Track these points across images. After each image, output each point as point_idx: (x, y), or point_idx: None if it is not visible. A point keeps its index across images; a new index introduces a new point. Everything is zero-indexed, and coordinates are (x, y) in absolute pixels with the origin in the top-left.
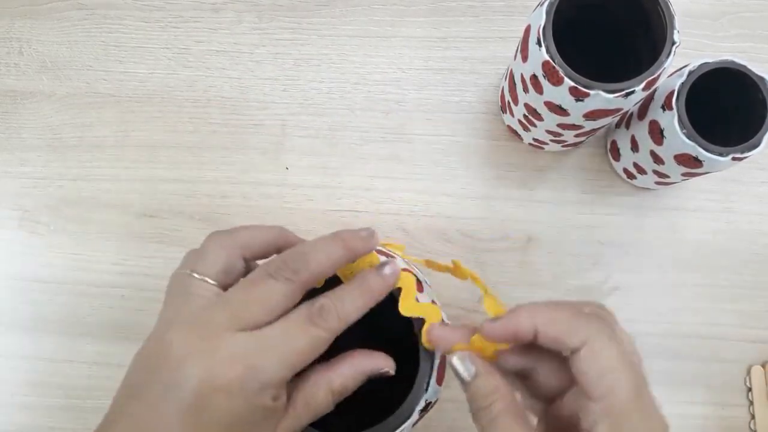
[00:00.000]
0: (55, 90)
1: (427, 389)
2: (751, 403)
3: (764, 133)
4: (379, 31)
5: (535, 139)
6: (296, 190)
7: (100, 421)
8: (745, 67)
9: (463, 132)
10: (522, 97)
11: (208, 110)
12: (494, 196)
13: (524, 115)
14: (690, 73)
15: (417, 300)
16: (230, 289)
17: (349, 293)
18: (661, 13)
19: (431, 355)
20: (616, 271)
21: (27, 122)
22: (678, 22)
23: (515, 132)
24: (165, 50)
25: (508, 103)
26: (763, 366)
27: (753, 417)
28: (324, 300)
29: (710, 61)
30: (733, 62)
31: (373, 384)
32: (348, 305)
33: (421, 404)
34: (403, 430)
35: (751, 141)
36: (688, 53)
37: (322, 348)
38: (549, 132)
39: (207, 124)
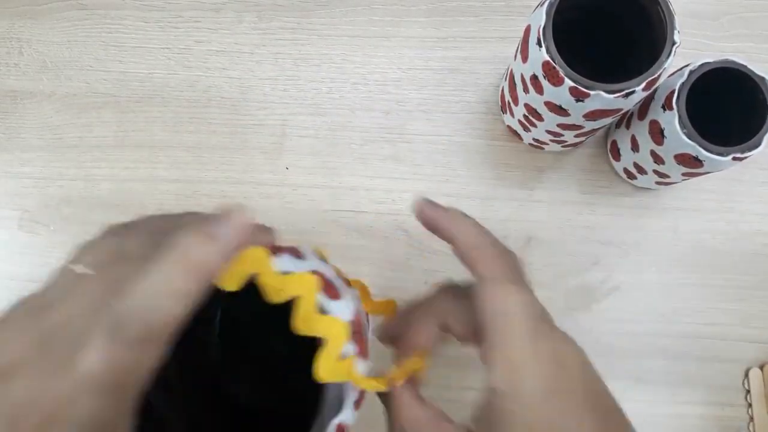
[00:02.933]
0: (55, 90)
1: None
2: (750, 405)
3: (764, 133)
4: (379, 31)
5: (535, 140)
6: (296, 190)
7: None
8: (745, 67)
9: (463, 132)
10: (522, 97)
11: (208, 110)
12: (494, 196)
13: (524, 116)
14: (690, 73)
15: (322, 310)
16: None
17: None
18: (661, 13)
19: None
20: (616, 271)
21: (27, 122)
22: (678, 22)
23: (515, 132)
24: (165, 50)
25: (508, 103)
26: (761, 368)
27: (752, 419)
28: None
29: (710, 61)
30: (733, 62)
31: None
32: None
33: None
34: None
35: (751, 141)
36: (688, 53)
37: None
38: (549, 132)
39: (207, 124)
